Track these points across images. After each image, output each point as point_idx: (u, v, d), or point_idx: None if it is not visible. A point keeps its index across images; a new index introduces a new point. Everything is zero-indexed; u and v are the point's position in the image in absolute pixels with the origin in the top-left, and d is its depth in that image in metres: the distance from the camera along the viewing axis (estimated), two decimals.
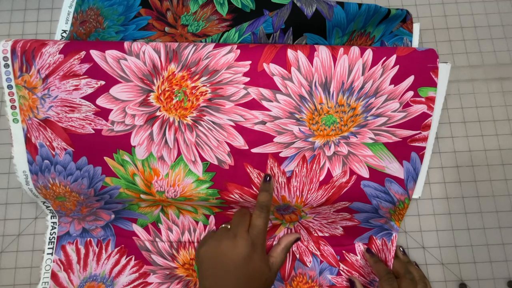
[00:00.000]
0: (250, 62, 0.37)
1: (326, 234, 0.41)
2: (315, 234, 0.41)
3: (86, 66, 0.37)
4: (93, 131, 0.38)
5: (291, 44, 0.41)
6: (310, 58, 0.37)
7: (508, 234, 0.41)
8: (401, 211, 0.39)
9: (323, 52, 0.37)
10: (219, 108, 0.38)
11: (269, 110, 0.37)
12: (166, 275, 0.41)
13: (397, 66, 0.37)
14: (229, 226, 0.35)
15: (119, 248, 0.41)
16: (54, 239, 0.41)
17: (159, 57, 0.37)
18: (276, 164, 0.38)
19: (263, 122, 0.37)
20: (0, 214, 0.42)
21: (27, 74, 0.37)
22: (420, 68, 0.37)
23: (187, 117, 0.38)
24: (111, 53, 0.37)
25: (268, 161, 0.38)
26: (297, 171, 0.38)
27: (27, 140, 0.38)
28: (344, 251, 0.41)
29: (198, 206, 0.41)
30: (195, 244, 0.41)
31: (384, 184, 0.38)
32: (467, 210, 0.42)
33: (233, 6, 0.43)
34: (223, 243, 0.33)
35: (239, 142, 0.38)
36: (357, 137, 0.38)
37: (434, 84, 0.37)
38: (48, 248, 0.41)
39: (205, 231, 0.41)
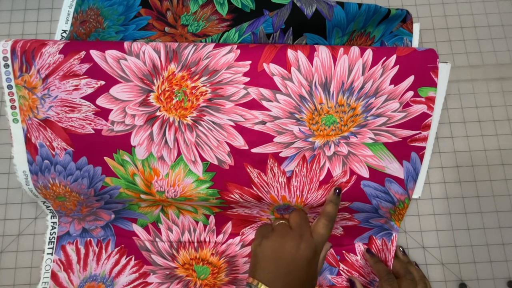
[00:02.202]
0: (250, 62, 0.37)
1: None
2: None
3: (86, 66, 0.37)
4: (93, 131, 0.38)
5: (291, 44, 0.41)
6: (310, 58, 0.37)
7: (508, 234, 0.41)
8: (401, 211, 0.39)
9: (323, 52, 0.37)
10: (219, 108, 0.38)
11: (269, 110, 0.37)
12: (166, 275, 0.41)
13: (397, 66, 0.37)
14: (283, 222, 0.36)
15: (119, 248, 0.41)
16: (54, 239, 0.41)
17: (159, 57, 0.37)
18: (276, 164, 0.38)
19: (263, 122, 0.37)
20: (0, 214, 0.42)
21: (27, 74, 0.37)
22: (420, 68, 0.37)
23: (187, 117, 0.38)
24: (111, 53, 0.37)
25: (268, 161, 0.38)
26: (297, 171, 0.38)
27: (27, 140, 0.38)
28: (344, 251, 0.41)
29: (198, 206, 0.41)
30: (195, 244, 0.41)
31: (384, 184, 0.38)
32: (467, 210, 0.42)
33: (233, 6, 0.43)
34: (287, 242, 0.33)
35: (239, 142, 0.38)
36: (357, 137, 0.38)
37: (434, 84, 0.37)
38: (48, 248, 0.41)
39: (205, 231, 0.41)
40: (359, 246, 0.41)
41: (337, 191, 0.37)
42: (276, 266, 0.32)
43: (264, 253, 0.33)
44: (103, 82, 0.37)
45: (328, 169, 0.38)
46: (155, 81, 0.38)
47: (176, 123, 0.38)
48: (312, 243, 0.33)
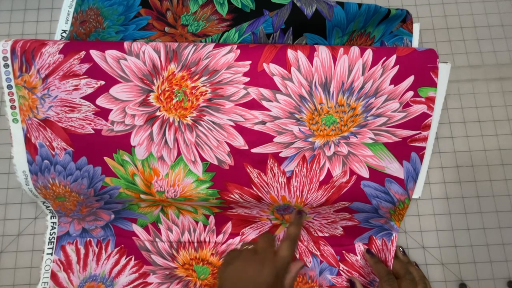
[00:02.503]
0: (250, 62, 0.37)
1: (326, 234, 0.41)
2: (315, 234, 0.41)
3: (86, 66, 0.37)
4: (93, 131, 0.38)
5: (291, 44, 0.41)
6: (310, 58, 0.37)
7: (508, 234, 0.41)
8: (401, 211, 0.39)
9: (323, 52, 0.37)
10: (219, 108, 0.38)
11: (269, 110, 0.37)
12: (166, 275, 0.41)
13: (397, 66, 0.37)
14: (250, 247, 0.35)
15: (119, 248, 0.41)
16: (54, 239, 0.41)
17: (159, 57, 0.37)
18: (276, 164, 0.38)
19: (263, 122, 0.37)
20: (0, 214, 0.42)
21: (26, 74, 0.37)
22: (420, 68, 0.37)
23: (187, 117, 0.38)
24: (111, 53, 0.37)
25: (268, 161, 0.38)
26: (297, 171, 0.38)
27: (27, 140, 0.38)
28: (344, 251, 0.41)
29: (198, 206, 0.41)
30: (195, 244, 0.41)
31: (384, 184, 0.38)
32: (467, 210, 0.42)
33: (233, 6, 0.43)
34: (250, 267, 0.32)
35: (239, 142, 0.38)
36: (357, 137, 0.38)
37: (434, 84, 0.37)
38: (48, 248, 0.41)
39: (205, 231, 0.41)
40: (359, 246, 0.41)
41: (301, 212, 0.38)
42: None
43: (227, 279, 0.33)
44: (103, 82, 0.37)
45: (328, 169, 0.38)
46: (155, 81, 0.38)
47: (176, 123, 0.38)
48: (274, 268, 0.32)
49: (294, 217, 0.38)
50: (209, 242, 0.41)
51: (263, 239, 0.35)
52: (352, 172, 0.38)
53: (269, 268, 0.32)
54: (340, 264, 0.41)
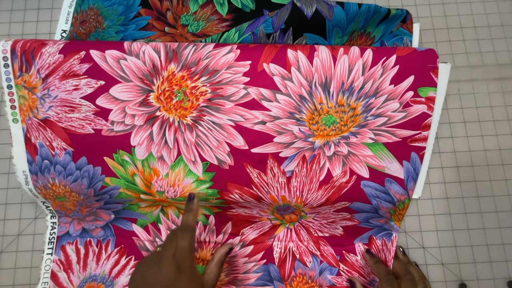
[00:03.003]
0: (250, 62, 0.37)
1: (326, 234, 0.41)
2: (315, 234, 0.41)
3: (86, 66, 0.37)
4: (93, 131, 0.38)
5: (291, 44, 0.41)
6: (310, 58, 0.37)
7: (508, 234, 0.41)
8: (401, 211, 0.39)
9: (323, 52, 0.37)
10: (219, 108, 0.38)
11: (269, 110, 0.37)
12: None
13: (397, 66, 0.37)
14: (158, 249, 0.34)
15: (119, 248, 0.41)
16: (54, 239, 0.41)
17: (159, 57, 0.37)
18: (276, 164, 0.38)
19: (263, 122, 0.37)
20: (0, 214, 0.42)
21: (26, 74, 0.37)
22: (420, 68, 0.37)
23: (187, 117, 0.38)
24: (111, 53, 0.37)
25: (268, 161, 0.38)
26: (297, 171, 0.38)
27: (27, 140, 0.38)
28: (344, 251, 0.41)
29: (198, 206, 0.41)
30: (195, 244, 0.41)
31: (384, 184, 0.38)
32: (467, 210, 0.42)
33: (233, 6, 0.43)
34: (150, 270, 0.31)
35: (239, 142, 0.38)
36: (357, 137, 0.38)
37: (434, 84, 0.37)
38: (48, 248, 0.41)
39: (204, 231, 0.41)
40: (359, 246, 0.41)
41: (192, 196, 0.36)
42: None
43: (134, 286, 0.32)
44: (103, 82, 0.37)
45: (328, 169, 0.38)
46: (155, 81, 0.38)
47: (176, 123, 0.38)
48: (172, 263, 0.31)
49: (186, 204, 0.36)
50: (209, 242, 0.41)
51: (166, 238, 0.34)
52: (352, 172, 0.38)
53: (166, 264, 0.31)
54: (340, 264, 0.41)
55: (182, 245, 0.32)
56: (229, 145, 0.38)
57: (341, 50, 0.37)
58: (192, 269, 0.32)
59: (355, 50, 0.37)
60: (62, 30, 0.44)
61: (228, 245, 0.39)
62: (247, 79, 0.37)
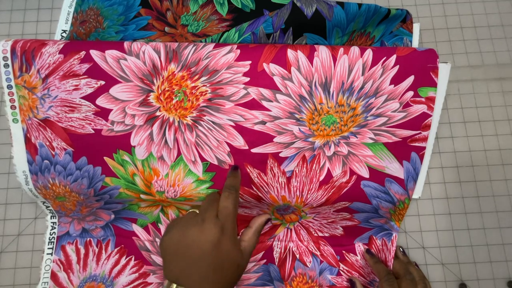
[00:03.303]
0: (250, 62, 0.37)
1: (326, 234, 0.41)
2: (315, 234, 0.41)
3: (86, 66, 0.37)
4: (93, 131, 0.38)
5: (291, 44, 0.41)
6: (310, 58, 0.37)
7: (508, 234, 0.41)
8: (401, 211, 0.39)
9: (323, 52, 0.37)
10: (219, 108, 0.38)
11: (269, 110, 0.37)
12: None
13: (397, 66, 0.37)
14: (197, 211, 0.33)
15: (119, 248, 0.41)
16: (54, 239, 0.41)
17: (159, 57, 0.37)
18: (276, 164, 0.38)
19: (263, 122, 0.37)
20: (0, 214, 0.42)
21: (27, 74, 0.37)
22: (420, 68, 0.37)
23: (187, 117, 0.38)
24: (111, 53, 0.37)
25: (268, 161, 0.38)
26: (297, 171, 0.38)
27: (27, 140, 0.38)
28: (344, 251, 0.41)
29: (198, 206, 0.41)
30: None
31: (384, 184, 0.38)
32: (467, 210, 0.42)
33: (233, 6, 0.43)
34: (190, 230, 0.30)
35: (239, 142, 0.38)
36: (357, 137, 0.38)
37: (434, 84, 0.37)
38: (48, 248, 0.41)
39: None
40: (359, 246, 0.41)
41: (235, 167, 0.36)
42: (179, 261, 0.29)
43: (168, 248, 0.30)
44: (103, 82, 0.37)
45: (328, 169, 0.38)
46: (155, 81, 0.38)
47: (176, 123, 0.38)
48: (216, 223, 0.29)
49: (230, 171, 0.36)
50: None
51: (206, 200, 0.33)
52: (352, 172, 0.38)
53: (209, 224, 0.29)
54: (340, 264, 0.41)
55: (226, 205, 0.31)
56: (229, 145, 0.38)
57: (341, 50, 0.37)
58: (234, 232, 0.31)
59: (355, 50, 0.37)
60: (62, 30, 0.44)
61: (266, 215, 0.37)
62: (247, 79, 0.37)
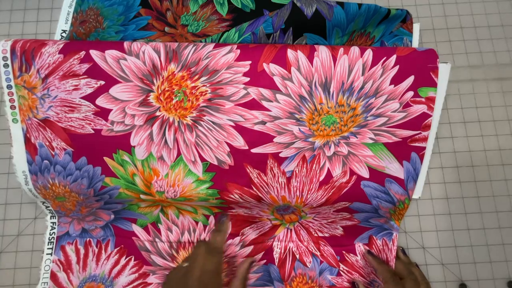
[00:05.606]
0: (250, 62, 0.37)
1: (326, 235, 0.41)
2: (315, 235, 0.41)
3: (85, 66, 0.37)
4: (93, 131, 0.38)
5: (291, 44, 0.41)
6: (310, 58, 0.37)
7: (508, 234, 0.41)
8: (401, 211, 0.39)
9: (323, 52, 0.37)
10: (219, 108, 0.37)
11: (269, 110, 0.37)
12: (166, 275, 0.41)
13: (397, 66, 0.37)
14: (184, 265, 0.34)
15: (118, 248, 0.41)
16: (54, 239, 0.41)
17: (159, 57, 0.37)
18: (276, 164, 0.38)
19: (263, 122, 0.37)
20: (0, 214, 0.42)
21: (26, 74, 0.37)
22: (420, 68, 0.37)
23: (187, 117, 0.38)
24: (111, 53, 0.37)
25: (268, 161, 0.38)
26: (297, 171, 0.38)
27: (27, 140, 0.38)
28: (344, 252, 0.41)
29: (198, 207, 0.41)
30: (195, 244, 0.41)
31: (384, 184, 0.38)
32: (467, 210, 0.42)
33: (233, 6, 0.43)
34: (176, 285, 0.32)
35: (239, 142, 0.38)
36: (357, 137, 0.38)
37: (434, 84, 0.37)
38: (48, 249, 0.41)
39: (204, 231, 0.41)
40: (359, 247, 0.41)
41: (224, 218, 0.40)
42: None
43: None
44: (102, 82, 0.37)
45: (328, 169, 0.38)
46: (155, 81, 0.38)
47: (176, 123, 0.38)
48: (199, 284, 0.31)
49: (217, 223, 0.39)
50: None
51: (193, 252, 0.34)
52: (352, 172, 0.38)
53: (192, 279, 0.31)
54: (340, 264, 0.41)
55: (209, 269, 0.32)
56: (229, 145, 0.38)
57: (341, 50, 0.37)
58: (218, 283, 0.32)
59: (355, 50, 0.37)
60: (62, 30, 0.44)
61: (248, 260, 0.38)
62: (247, 79, 0.37)
